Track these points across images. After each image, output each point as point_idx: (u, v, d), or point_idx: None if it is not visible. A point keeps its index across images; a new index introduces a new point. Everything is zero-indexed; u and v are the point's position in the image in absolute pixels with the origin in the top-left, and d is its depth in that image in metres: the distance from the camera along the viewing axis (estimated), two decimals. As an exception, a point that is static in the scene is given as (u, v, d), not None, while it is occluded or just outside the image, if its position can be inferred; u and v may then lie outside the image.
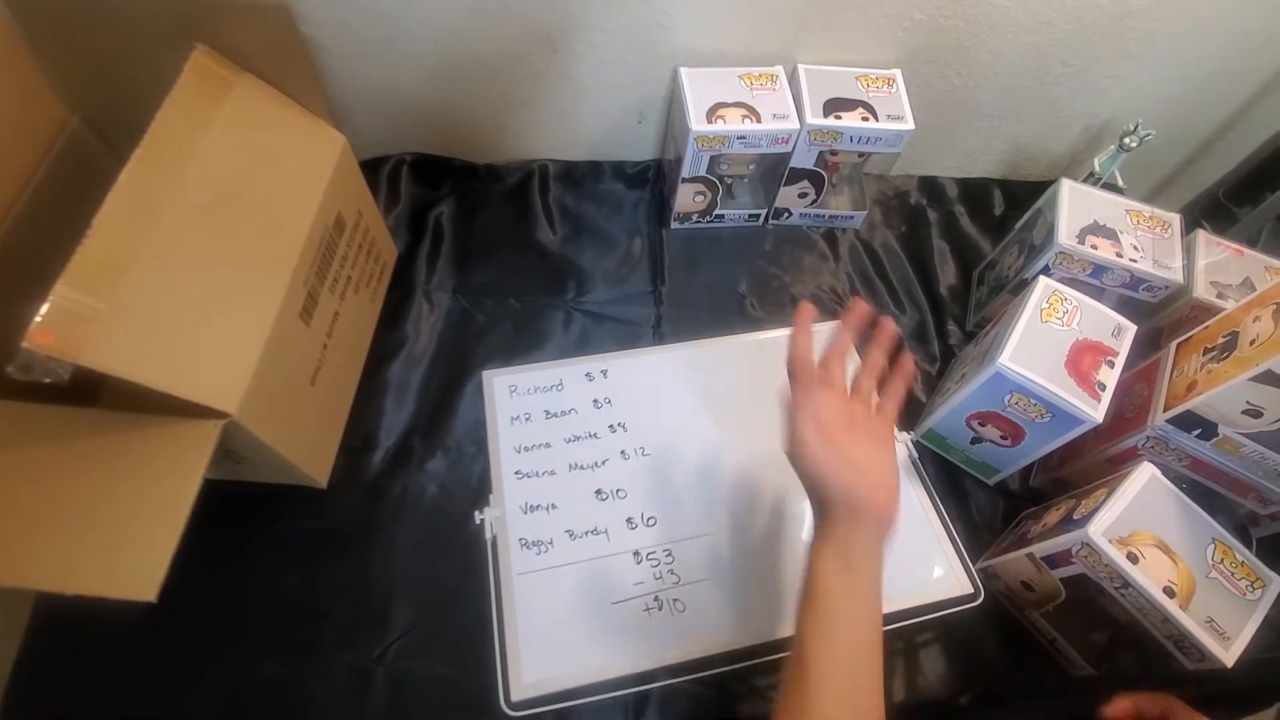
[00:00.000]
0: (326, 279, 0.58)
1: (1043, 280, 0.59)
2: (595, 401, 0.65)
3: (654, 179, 0.81)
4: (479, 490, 0.61)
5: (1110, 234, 0.63)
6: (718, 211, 0.77)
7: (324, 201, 0.56)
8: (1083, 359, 0.55)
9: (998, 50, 0.71)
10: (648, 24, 0.67)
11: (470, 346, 0.69)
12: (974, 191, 0.85)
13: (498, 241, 0.76)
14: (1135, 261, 0.61)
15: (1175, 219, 0.65)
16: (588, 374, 0.67)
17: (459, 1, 0.64)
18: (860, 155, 0.74)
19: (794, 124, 0.67)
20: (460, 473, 0.62)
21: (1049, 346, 0.55)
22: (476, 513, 0.58)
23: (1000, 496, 0.66)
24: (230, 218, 0.51)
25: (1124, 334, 0.57)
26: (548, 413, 0.64)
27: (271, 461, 0.54)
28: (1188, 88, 0.75)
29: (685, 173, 0.70)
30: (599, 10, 0.65)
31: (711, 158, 0.70)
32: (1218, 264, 0.63)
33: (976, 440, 0.62)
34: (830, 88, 0.69)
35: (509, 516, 0.58)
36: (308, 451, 0.58)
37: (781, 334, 0.71)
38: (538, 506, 0.59)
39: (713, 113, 0.67)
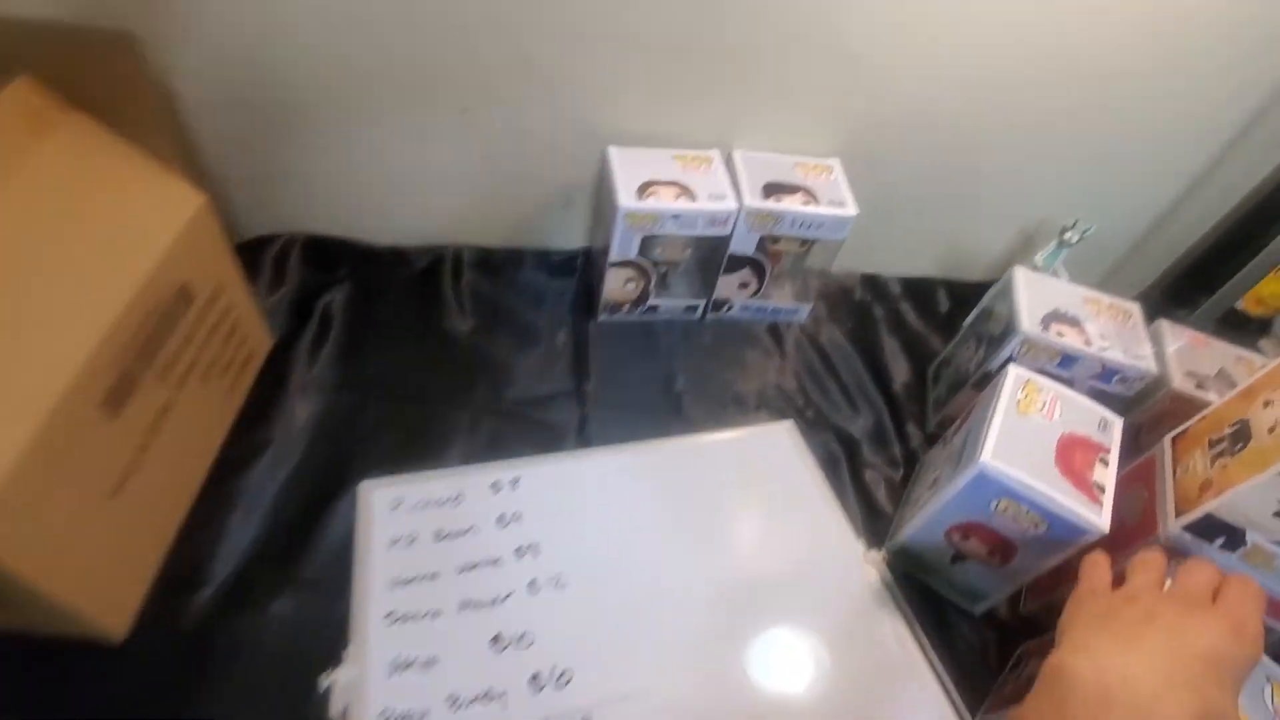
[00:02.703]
0: (155, 362, 0.46)
1: (1014, 368, 0.52)
2: (501, 518, 0.53)
3: (582, 268, 0.74)
4: (340, 641, 0.46)
5: (1074, 321, 0.58)
6: (651, 302, 0.70)
7: (162, 267, 0.45)
8: (1073, 456, 0.47)
9: (933, 144, 0.70)
10: (573, 99, 0.62)
11: (351, 453, 0.56)
12: (918, 290, 0.82)
13: (397, 332, 0.65)
14: (1105, 350, 0.56)
15: (1135, 308, 0.61)
16: (494, 484, 0.55)
17: (361, 64, 0.58)
18: (802, 244, 0.69)
19: (732, 204, 0.62)
20: (315, 616, 0.47)
21: (1033, 441, 0.47)
22: (323, 676, 0.43)
23: (990, 628, 0.55)
24: (27, 274, 0.39)
25: (1111, 428, 0.50)
26: (439, 534, 0.51)
27: (37, 604, 0.39)
28: (1120, 186, 0.75)
29: (614, 255, 0.63)
30: (518, 81, 0.60)
31: (644, 240, 0.63)
32: (1187, 354, 0.59)
33: (958, 558, 0.52)
34: (768, 172, 0.65)
35: (370, 678, 0.43)
36: (98, 591, 0.43)
37: (722, 436, 0.62)
38: (412, 662, 0.44)
39: (644, 189, 0.61)
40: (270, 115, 0.60)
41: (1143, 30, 0.62)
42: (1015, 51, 0.63)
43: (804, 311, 0.74)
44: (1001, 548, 0.49)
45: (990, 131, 0.69)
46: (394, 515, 0.52)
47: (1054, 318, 0.57)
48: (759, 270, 0.69)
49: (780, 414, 0.66)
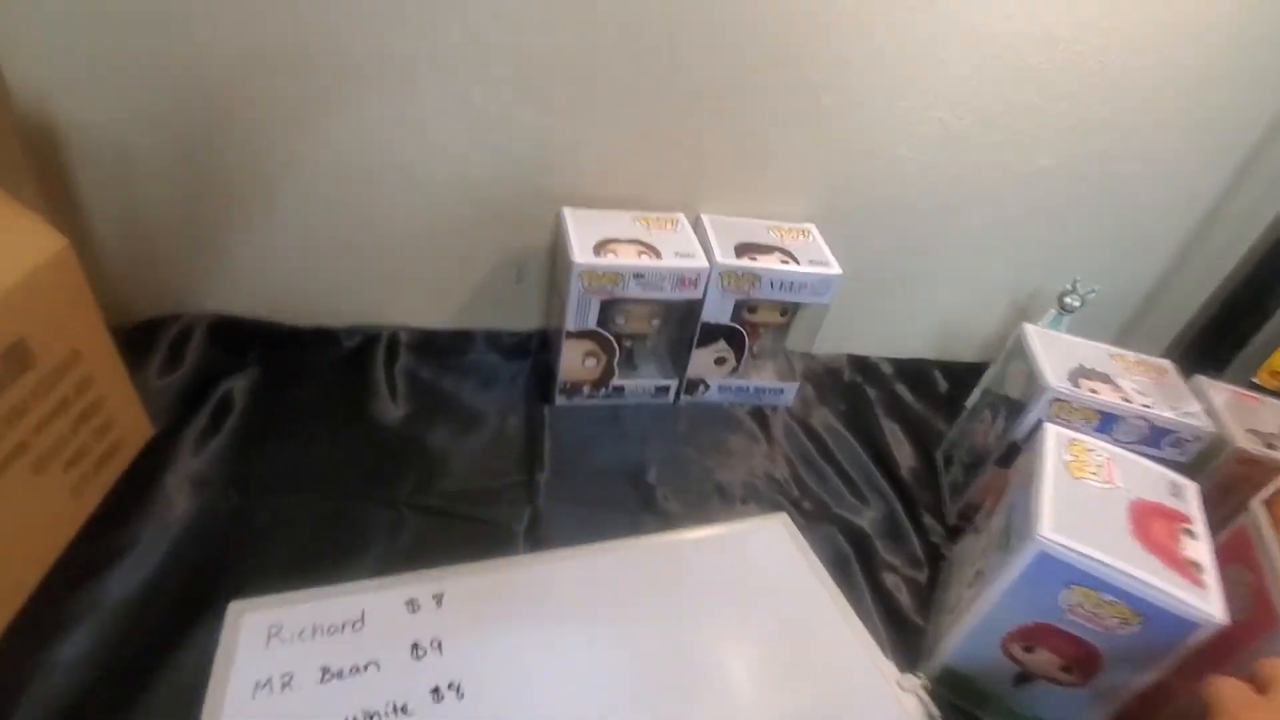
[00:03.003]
0: (-43, 437, 0.35)
1: (1051, 427, 0.43)
2: (415, 648, 0.39)
3: (536, 350, 0.65)
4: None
5: (1104, 378, 0.50)
6: (615, 383, 0.60)
7: (-14, 314, 0.36)
8: (1151, 527, 0.37)
9: (911, 207, 0.66)
10: (521, 153, 0.57)
11: (231, 562, 0.44)
12: (911, 370, 0.74)
13: (312, 420, 0.55)
14: (1150, 408, 0.47)
15: (1168, 364, 0.53)
16: (410, 601, 0.42)
17: (281, 121, 0.52)
18: (783, 313, 0.62)
19: (702, 262, 0.55)
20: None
21: (1098, 510, 0.37)
22: None
23: (1072, 779, 0.42)
24: None
25: (1186, 494, 0.40)
26: (328, 671, 0.37)
27: None
28: (1115, 248, 0.71)
29: (571, 324, 0.55)
30: (461, 131, 0.55)
31: (604, 306, 0.55)
32: (1239, 412, 0.50)
33: (1023, 679, 0.40)
34: (740, 234, 0.59)
35: None
36: None
37: (706, 533, 0.51)
38: None
39: (602, 247, 0.54)
40: (178, 177, 0.53)
41: (1125, 81, 0.60)
42: (993, 104, 0.60)
43: (790, 392, 0.65)
44: (1080, 659, 0.37)
45: (973, 190, 0.65)
46: (269, 647, 0.38)
47: (1082, 374, 0.50)
48: (737, 342, 0.61)
49: (772, 506, 0.55)
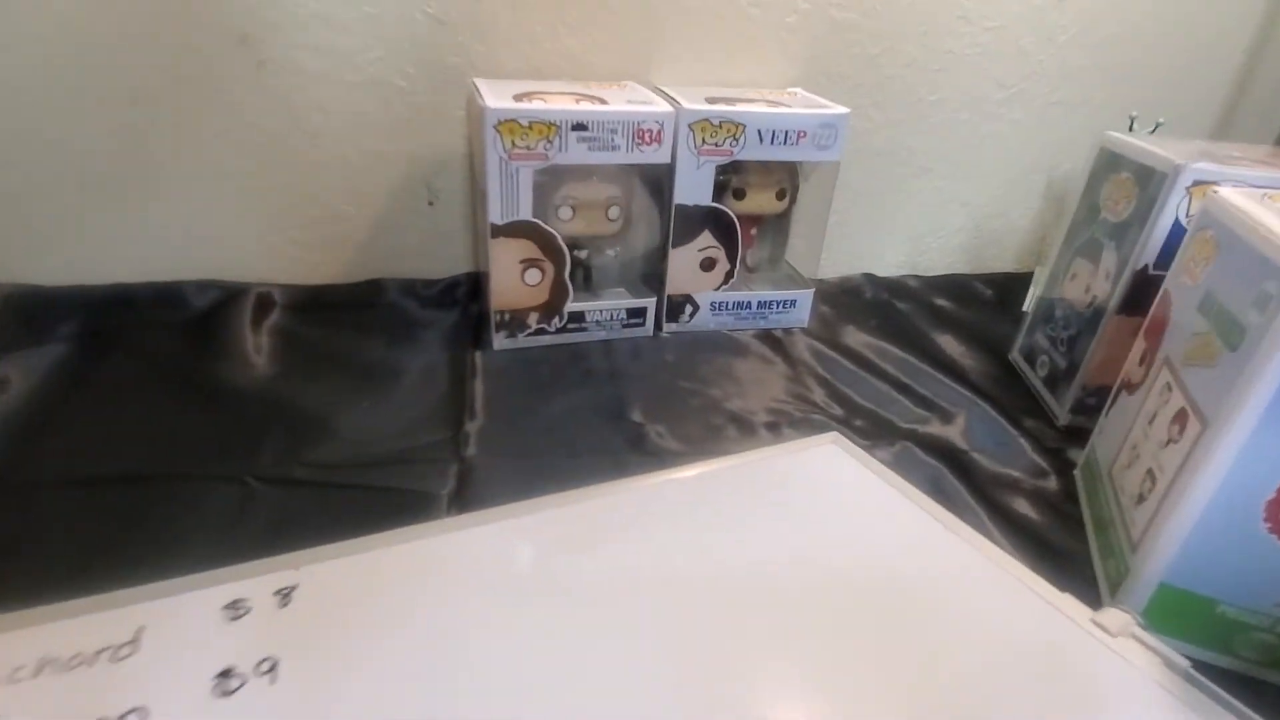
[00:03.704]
0: None
1: (1225, 191, 0.28)
2: (225, 677, 0.21)
3: (465, 299, 0.49)
4: None
5: (1235, 160, 0.35)
6: (572, 307, 0.44)
7: None
8: None
9: (915, 61, 0.53)
10: (409, 12, 0.43)
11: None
12: (945, 285, 0.60)
13: (130, 395, 0.38)
14: (1330, 178, 0.33)
15: (1307, 152, 0.39)
16: (233, 604, 0.24)
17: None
18: (781, 195, 0.47)
19: (664, 106, 0.41)
20: None
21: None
22: None
23: None
24: None
25: None
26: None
27: None
28: (1166, 73, 0.58)
29: (496, 212, 0.40)
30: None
31: (541, 192, 0.40)
32: None
33: (1318, 572, 0.23)
34: (710, 92, 0.45)
35: None
36: None
37: (731, 463, 0.34)
38: None
39: (527, 97, 0.39)
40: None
41: None
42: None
43: (804, 305, 0.50)
44: None
45: (983, 31, 0.53)
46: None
47: (1209, 158, 0.35)
48: (726, 233, 0.45)
49: (815, 430, 0.38)
